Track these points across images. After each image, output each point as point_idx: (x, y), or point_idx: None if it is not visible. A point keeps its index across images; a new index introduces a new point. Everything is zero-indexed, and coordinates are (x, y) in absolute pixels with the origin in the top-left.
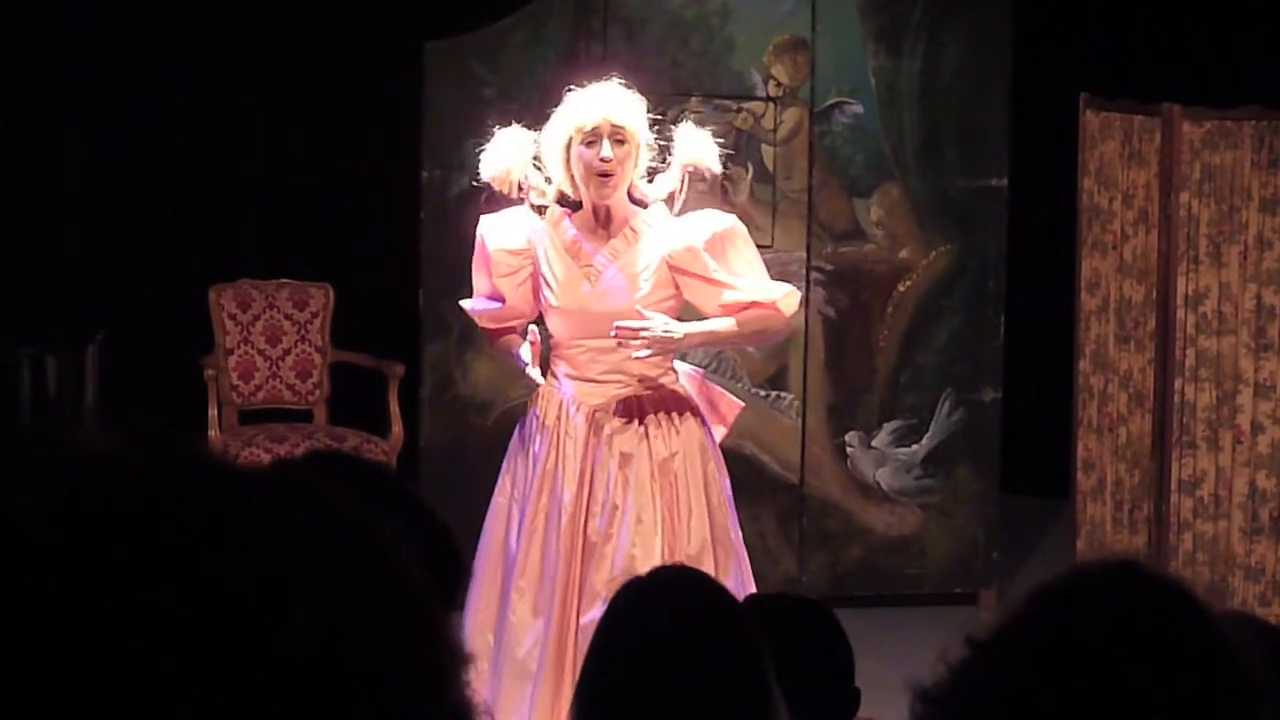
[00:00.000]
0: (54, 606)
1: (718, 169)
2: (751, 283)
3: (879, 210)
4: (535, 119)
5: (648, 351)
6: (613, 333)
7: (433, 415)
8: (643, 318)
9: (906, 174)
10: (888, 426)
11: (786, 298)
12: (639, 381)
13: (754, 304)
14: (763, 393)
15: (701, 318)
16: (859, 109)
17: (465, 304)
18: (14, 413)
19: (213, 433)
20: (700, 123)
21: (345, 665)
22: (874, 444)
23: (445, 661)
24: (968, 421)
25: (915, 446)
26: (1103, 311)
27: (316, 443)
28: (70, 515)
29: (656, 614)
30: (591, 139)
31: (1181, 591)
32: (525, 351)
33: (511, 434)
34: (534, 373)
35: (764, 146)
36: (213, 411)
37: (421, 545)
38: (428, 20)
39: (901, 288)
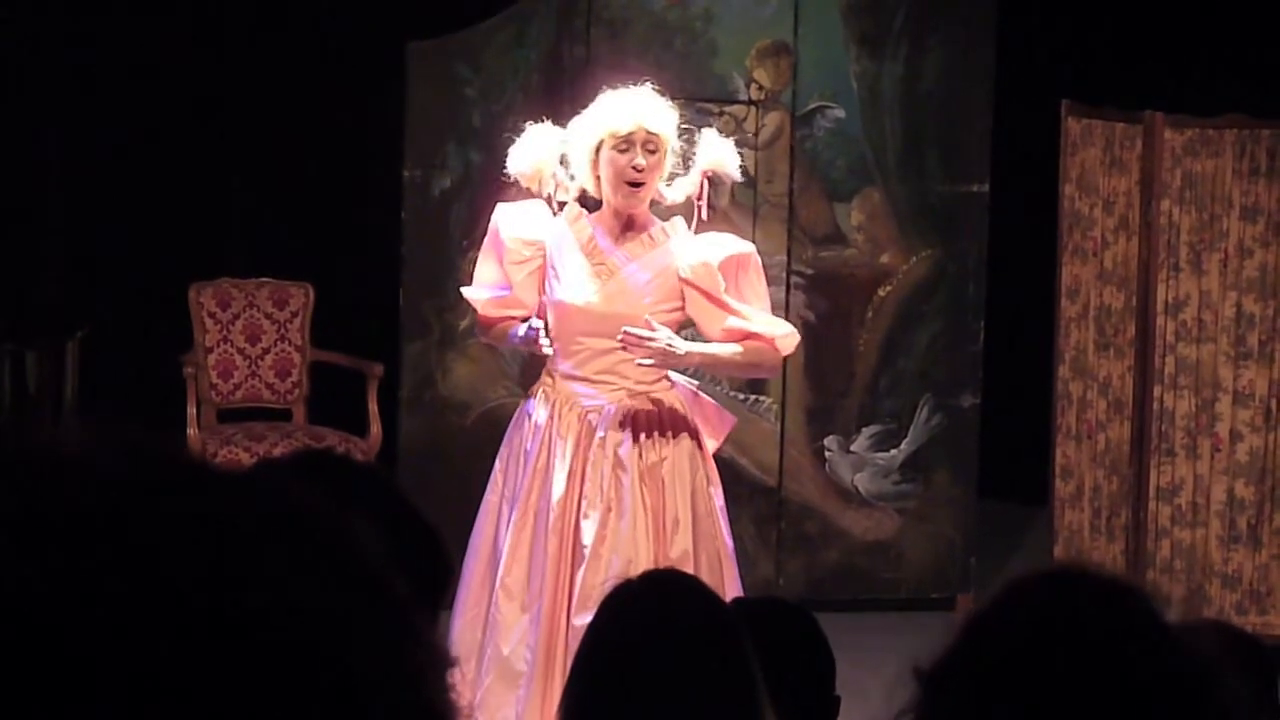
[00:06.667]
0: (14, 607)
1: (738, 176)
2: (756, 314)
3: (860, 215)
4: (516, 120)
5: (650, 361)
6: (619, 336)
7: (411, 415)
8: (650, 327)
9: (888, 179)
10: (866, 431)
11: (786, 338)
12: (633, 385)
13: (755, 335)
14: (741, 396)
15: (699, 336)
16: (841, 113)
17: (466, 291)
18: None
19: (191, 431)
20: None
21: (310, 664)
22: (853, 448)
23: (419, 661)
24: (947, 427)
25: (894, 451)
26: (1083, 318)
27: (295, 442)
28: (31, 516)
29: (646, 617)
30: (625, 145)
31: (1128, 589)
32: (536, 322)
33: (491, 434)
34: (545, 341)
35: (745, 150)
36: (191, 410)
37: (408, 545)
38: (410, 20)
39: (882, 293)
